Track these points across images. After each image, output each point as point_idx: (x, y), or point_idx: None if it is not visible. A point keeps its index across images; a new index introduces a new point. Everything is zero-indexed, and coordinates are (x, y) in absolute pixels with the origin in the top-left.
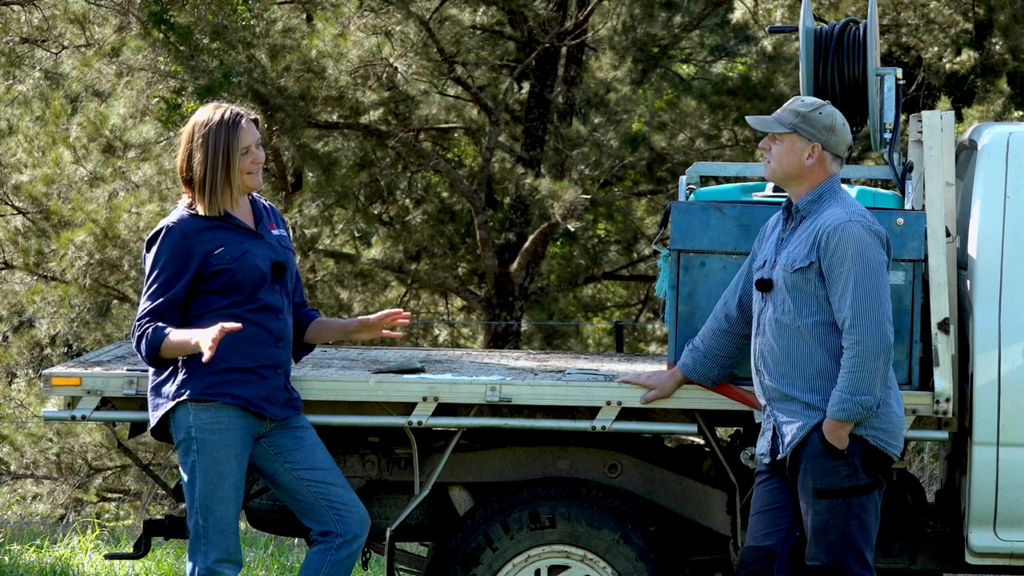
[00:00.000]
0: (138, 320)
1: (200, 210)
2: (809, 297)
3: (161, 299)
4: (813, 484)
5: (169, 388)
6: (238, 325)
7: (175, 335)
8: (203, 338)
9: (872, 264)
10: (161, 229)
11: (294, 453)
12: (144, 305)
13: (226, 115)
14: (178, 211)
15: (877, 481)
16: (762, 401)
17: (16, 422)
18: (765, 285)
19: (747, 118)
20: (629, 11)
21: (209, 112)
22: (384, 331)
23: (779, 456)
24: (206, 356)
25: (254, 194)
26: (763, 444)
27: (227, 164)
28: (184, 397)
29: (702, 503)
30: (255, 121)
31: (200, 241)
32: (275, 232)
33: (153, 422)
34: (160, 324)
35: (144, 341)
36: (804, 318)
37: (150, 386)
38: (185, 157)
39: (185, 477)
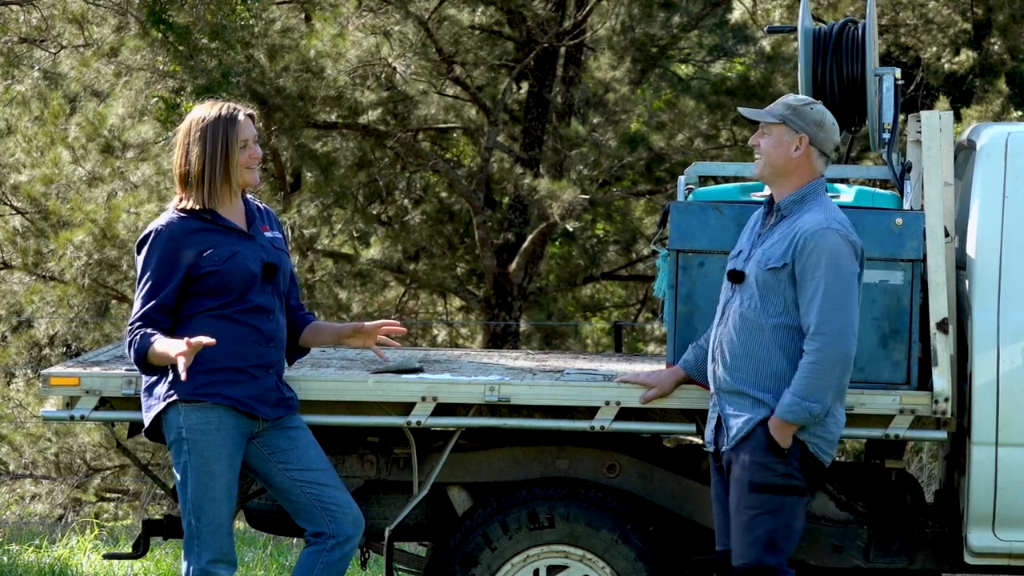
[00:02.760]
0: (129, 325)
1: (195, 205)
2: (777, 297)
3: (151, 303)
4: (749, 478)
5: (160, 389)
6: (212, 340)
7: (159, 344)
8: (177, 351)
9: (844, 274)
10: (150, 232)
11: (288, 453)
12: (135, 309)
13: (223, 110)
14: (168, 214)
15: (808, 487)
16: (712, 389)
17: (15, 422)
18: (737, 276)
19: (740, 109)
20: (628, 11)
21: (206, 108)
22: (377, 344)
23: (723, 448)
24: (182, 373)
25: (248, 196)
26: (708, 433)
27: (226, 157)
28: (174, 398)
29: (701, 503)
30: (251, 117)
31: (189, 243)
32: (268, 234)
33: (146, 423)
34: (148, 331)
35: (133, 347)
36: (768, 317)
37: (143, 387)
38: (183, 153)
39: (178, 478)
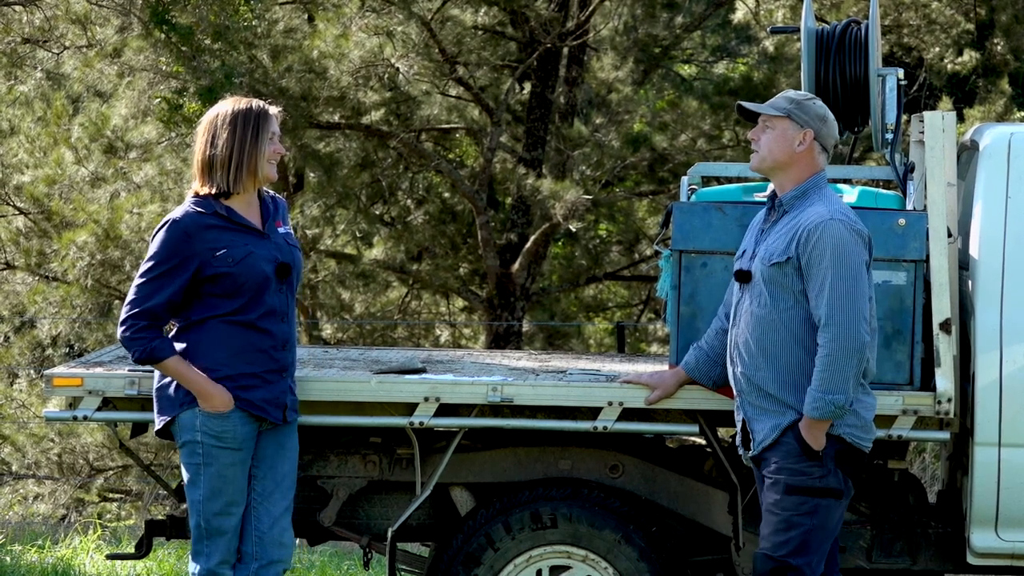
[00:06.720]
0: (133, 311)
1: (215, 190)
2: (785, 291)
3: (157, 296)
4: (786, 481)
5: (177, 394)
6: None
7: (183, 369)
8: (212, 399)
9: (850, 263)
10: (167, 222)
11: (265, 460)
12: (139, 295)
13: (254, 103)
14: (184, 205)
15: (847, 489)
16: (734, 392)
17: (18, 422)
18: (744, 276)
19: (740, 102)
20: (631, 11)
21: (233, 101)
22: None
23: (749, 453)
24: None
25: (262, 188)
26: (738, 436)
27: (255, 143)
28: (195, 407)
29: (704, 503)
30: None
31: (203, 240)
32: (282, 230)
33: (158, 425)
34: (160, 341)
35: (140, 351)
36: (780, 312)
37: (155, 387)
38: (208, 140)
39: (188, 477)
